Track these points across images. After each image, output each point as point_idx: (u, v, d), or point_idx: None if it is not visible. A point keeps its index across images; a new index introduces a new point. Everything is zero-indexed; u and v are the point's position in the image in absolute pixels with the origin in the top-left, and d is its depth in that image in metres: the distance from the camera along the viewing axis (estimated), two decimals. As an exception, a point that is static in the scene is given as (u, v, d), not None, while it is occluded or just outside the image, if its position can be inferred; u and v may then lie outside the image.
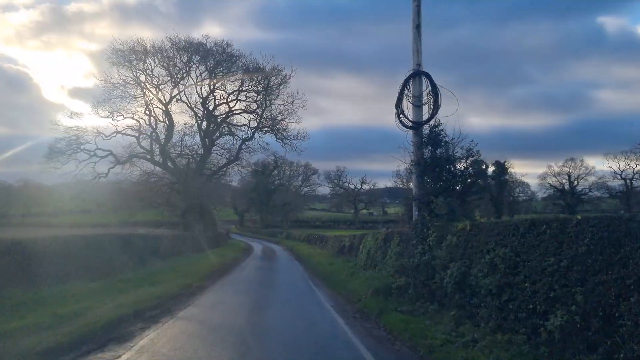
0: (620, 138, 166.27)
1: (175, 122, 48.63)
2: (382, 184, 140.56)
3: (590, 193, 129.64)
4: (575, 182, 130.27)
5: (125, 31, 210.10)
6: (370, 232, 24.27)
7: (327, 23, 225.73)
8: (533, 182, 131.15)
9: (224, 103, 50.02)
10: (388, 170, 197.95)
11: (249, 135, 52.50)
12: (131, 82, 44.75)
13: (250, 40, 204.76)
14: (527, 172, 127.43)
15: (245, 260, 35.52)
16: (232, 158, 52.85)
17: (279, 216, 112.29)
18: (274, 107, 50.72)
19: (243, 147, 52.95)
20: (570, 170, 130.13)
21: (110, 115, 45.49)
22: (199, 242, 42.84)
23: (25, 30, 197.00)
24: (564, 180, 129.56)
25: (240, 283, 21.31)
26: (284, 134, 52.53)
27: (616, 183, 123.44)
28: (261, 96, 48.99)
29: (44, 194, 75.21)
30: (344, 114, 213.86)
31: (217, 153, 53.95)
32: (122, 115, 45.99)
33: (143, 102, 46.05)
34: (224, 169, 54.09)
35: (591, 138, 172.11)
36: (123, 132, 46.06)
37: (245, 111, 50.35)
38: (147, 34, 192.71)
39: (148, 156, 46.80)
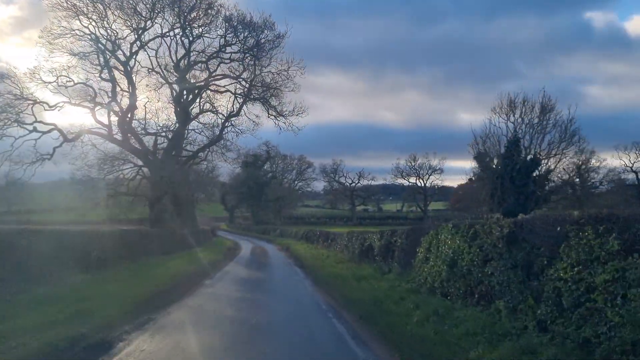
0: (611, 134, 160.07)
1: (141, 91, 38.03)
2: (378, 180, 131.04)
3: (601, 186, 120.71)
4: (585, 175, 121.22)
5: None
6: (442, 225, 12.70)
7: (311, 18, 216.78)
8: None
9: (202, 62, 39.24)
10: (378, 166, 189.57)
11: (235, 110, 41.99)
12: (79, 34, 33.95)
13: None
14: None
15: (225, 267, 24.79)
16: (214, 138, 42.22)
17: (272, 212, 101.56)
18: (265, 74, 40.24)
19: (228, 125, 42.41)
20: (580, 163, 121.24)
21: (56, 81, 34.83)
22: (170, 241, 32.36)
23: None
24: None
25: (190, 327, 10.17)
26: (278, 108, 42.08)
27: (629, 176, 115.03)
28: (250, 57, 38.35)
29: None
30: (333, 110, 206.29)
31: (195, 131, 43.38)
32: (72, 80, 35.36)
33: (97, 61, 35.34)
34: (205, 151, 43.35)
35: (582, 134, 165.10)
36: (72, 101, 35.39)
37: (229, 76, 39.68)
38: None
39: (105, 131, 36.02)
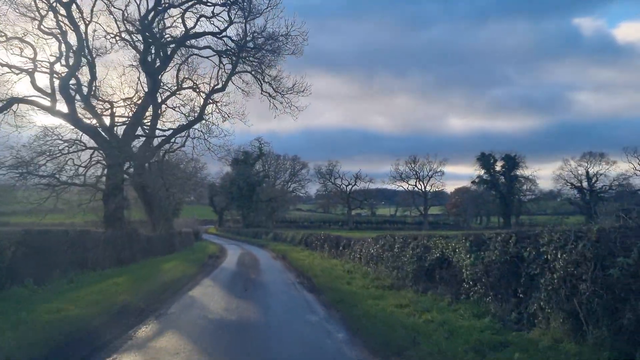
0: (600, 140, 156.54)
1: (95, 48, 28.92)
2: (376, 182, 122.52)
3: (610, 190, 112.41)
4: (595, 179, 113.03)
5: None
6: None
7: (298, 17, 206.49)
8: (544, 182, 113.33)
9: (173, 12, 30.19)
10: (369, 171, 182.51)
11: (220, 83, 33.05)
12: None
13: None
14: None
15: (193, 289, 15.38)
16: (194, 117, 33.21)
17: (264, 215, 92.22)
18: (257, 36, 31.35)
19: (210, 102, 33.49)
20: (589, 166, 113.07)
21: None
22: (128, 246, 23.33)
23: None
24: (581, 177, 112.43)
25: None
26: (274, 84, 33.24)
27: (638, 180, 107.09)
28: (237, 9, 29.42)
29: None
30: (324, 114, 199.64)
31: (170, 107, 34.42)
32: (4, 34, 26.27)
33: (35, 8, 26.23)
34: (184, 134, 34.24)
35: (572, 140, 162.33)
36: (2, 61, 26.26)
37: (212, 33, 30.70)
38: None
39: (48, 100, 26.83)
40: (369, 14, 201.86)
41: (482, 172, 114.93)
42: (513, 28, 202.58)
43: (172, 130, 33.36)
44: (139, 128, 31.36)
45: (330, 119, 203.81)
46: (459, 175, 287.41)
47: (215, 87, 32.82)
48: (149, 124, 33.77)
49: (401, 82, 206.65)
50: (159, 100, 33.61)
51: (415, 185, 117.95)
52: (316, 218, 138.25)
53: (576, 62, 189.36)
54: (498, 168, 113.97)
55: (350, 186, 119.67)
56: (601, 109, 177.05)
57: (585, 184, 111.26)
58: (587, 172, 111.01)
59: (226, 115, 33.39)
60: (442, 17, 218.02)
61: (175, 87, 34.13)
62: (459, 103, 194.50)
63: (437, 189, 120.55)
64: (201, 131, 33.32)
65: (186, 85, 34.37)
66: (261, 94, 33.49)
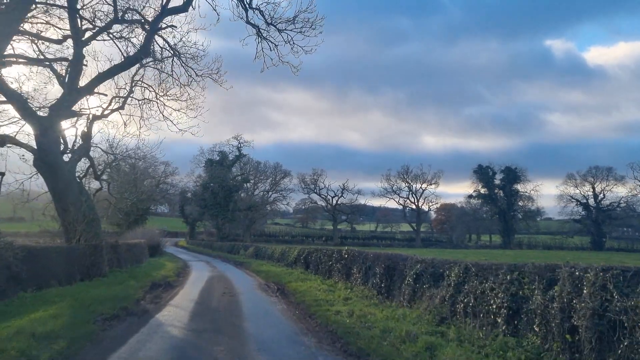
0: (571, 162, 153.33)
1: None
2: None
3: (619, 208, 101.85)
4: (602, 196, 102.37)
5: None
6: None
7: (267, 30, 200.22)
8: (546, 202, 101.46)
9: None
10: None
11: None
12: None
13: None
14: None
15: None
16: (133, 55, 19.97)
17: (242, 226, 77.94)
18: None
19: (164, 27, 20.46)
20: (595, 181, 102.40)
21: None
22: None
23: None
24: (588, 193, 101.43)
25: None
26: (266, 11, 20.39)
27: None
28: None
29: None
30: (296, 129, 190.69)
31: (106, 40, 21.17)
32: None
33: None
34: (120, 91, 20.67)
35: (544, 161, 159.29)
36: None
37: None
38: None
39: None
40: (340, 28, 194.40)
41: (480, 186, 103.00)
42: (485, 47, 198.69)
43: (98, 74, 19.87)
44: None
45: (304, 133, 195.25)
46: (437, 193, 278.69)
47: (167, 7, 19.67)
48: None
49: (374, 98, 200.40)
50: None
51: (407, 199, 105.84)
52: (298, 232, 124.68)
53: (547, 83, 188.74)
54: (497, 182, 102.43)
55: (336, 198, 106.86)
56: (573, 130, 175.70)
57: (591, 200, 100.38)
58: (594, 188, 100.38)
59: (193, 56, 20.31)
60: (414, 34, 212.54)
61: (112, 18, 20.80)
62: (432, 121, 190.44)
63: (431, 204, 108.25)
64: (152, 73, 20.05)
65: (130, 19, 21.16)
66: (246, 24, 20.46)
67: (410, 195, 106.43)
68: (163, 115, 22.37)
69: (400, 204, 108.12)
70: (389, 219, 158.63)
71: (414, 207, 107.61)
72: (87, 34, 20.76)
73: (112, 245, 22.95)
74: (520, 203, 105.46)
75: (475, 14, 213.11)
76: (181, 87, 21.65)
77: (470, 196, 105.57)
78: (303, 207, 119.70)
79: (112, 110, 22.05)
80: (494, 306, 8.36)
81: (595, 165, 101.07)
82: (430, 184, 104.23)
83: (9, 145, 19.03)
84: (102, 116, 22.32)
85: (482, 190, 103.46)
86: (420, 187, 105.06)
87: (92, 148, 24.66)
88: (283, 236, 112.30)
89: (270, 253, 37.63)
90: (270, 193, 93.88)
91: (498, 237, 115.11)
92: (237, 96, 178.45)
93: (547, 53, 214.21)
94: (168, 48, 20.68)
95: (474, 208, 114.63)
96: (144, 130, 22.63)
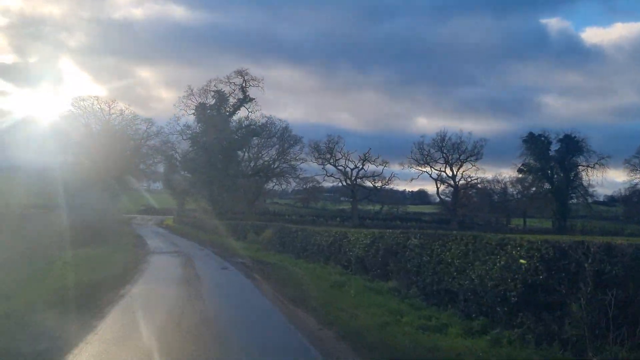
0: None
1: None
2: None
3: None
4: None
5: None
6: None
7: (253, 5, 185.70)
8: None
9: None
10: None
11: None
12: None
13: (174, 22, 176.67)
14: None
15: None
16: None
17: (244, 200, 57.87)
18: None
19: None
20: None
21: None
22: None
23: None
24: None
25: None
26: None
27: None
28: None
29: None
30: (286, 108, 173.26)
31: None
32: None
33: None
34: None
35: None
36: None
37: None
38: None
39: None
40: (326, 2, 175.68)
41: (530, 159, 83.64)
42: (478, 23, 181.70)
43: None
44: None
45: (294, 112, 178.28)
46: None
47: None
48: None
49: (364, 77, 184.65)
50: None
51: (443, 170, 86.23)
52: (307, 212, 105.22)
53: (542, 63, 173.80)
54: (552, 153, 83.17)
55: (356, 169, 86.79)
56: (568, 113, 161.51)
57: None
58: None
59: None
60: (402, 10, 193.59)
61: None
62: (425, 101, 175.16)
63: (470, 177, 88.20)
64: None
65: None
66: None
67: (447, 168, 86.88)
68: None
69: (434, 178, 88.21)
70: (397, 199, 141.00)
71: (451, 183, 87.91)
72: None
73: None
74: (585, 177, 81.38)
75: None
76: None
77: (519, 170, 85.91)
78: (304, 186, 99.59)
79: None
80: None
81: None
82: (471, 157, 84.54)
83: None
84: None
85: (535, 163, 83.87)
86: (459, 159, 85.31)
87: None
88: (290, 215, 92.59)
89: (317, 243, 18.09)
90: (277, 163, 73.65)
91: (535, 221, 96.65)
92: (222, 73, 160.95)
93: (542, 32, 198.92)
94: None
95: (514, 185, 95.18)
96: None
